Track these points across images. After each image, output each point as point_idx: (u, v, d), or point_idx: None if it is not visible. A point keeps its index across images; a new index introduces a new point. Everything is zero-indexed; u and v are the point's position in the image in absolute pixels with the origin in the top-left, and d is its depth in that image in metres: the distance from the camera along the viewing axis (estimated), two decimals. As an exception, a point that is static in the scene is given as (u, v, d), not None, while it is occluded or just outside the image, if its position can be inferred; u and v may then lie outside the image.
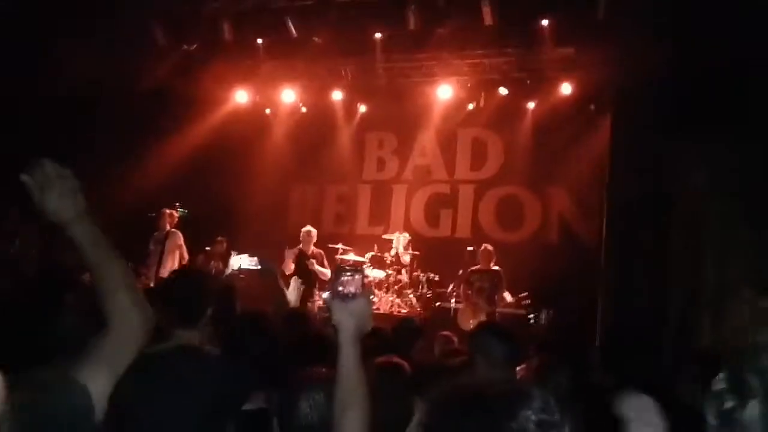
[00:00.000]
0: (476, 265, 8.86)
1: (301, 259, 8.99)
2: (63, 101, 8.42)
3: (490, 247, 8.91)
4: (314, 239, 9.22)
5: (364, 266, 9.38)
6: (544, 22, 8.63)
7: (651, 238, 7.25)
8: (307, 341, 3.05)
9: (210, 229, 9.84)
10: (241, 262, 9.08)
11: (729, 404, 0.75)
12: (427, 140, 11.14)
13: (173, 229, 8.96)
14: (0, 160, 8.00)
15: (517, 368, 3.19)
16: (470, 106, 10.61)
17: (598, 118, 9.45)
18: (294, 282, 8.94)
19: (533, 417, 1.01)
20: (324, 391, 1.74)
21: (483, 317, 8.20)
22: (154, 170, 9.53)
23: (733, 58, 6.45)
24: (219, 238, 9.67)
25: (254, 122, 11.33)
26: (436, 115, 10.74)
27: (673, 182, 7.35)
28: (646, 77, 7.28)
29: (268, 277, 8.58)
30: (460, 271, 8.95)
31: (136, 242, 8.92)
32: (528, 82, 9.90)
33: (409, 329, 4.60)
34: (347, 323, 1.73)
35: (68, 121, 8.72)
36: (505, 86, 10.01)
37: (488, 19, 8.27)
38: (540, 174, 10.29)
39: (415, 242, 10.14)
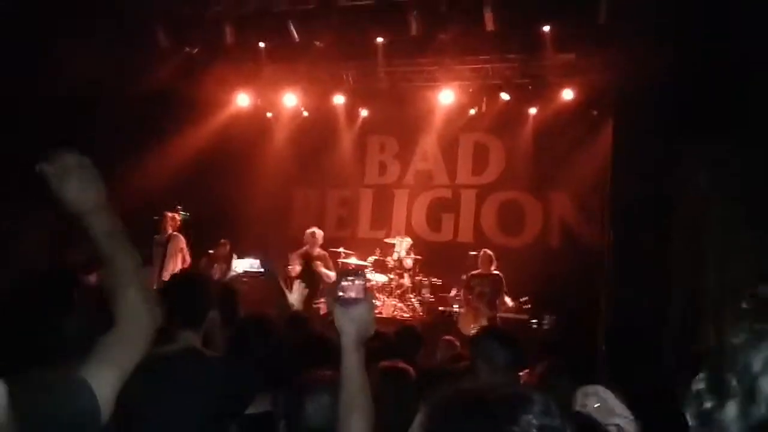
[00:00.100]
0: (477, 269, 8.87)
1: (307, 261, 9.00)
2: (64, 102, 8.43)
3: (490, 252, 8.91)
4: (320, 241, 9.24)
5: (366, 270, 9.38)
6: (546, 28, 8.64)
7: (653, 241, 7.25)
8: (308, 344, 3.05)
9: (212, 232, 9.85)
10: (244, 265, 9.08)
11: (708, 405, 0.76)
12: (428, 145, 11.16)
13: (175, 233, 8.96)
14: (2, 160, 8.06)
15: (521, 373, 3.18)
16: (472, 111, 10.63)
17: (600, 123, 9.47)
18: (297, 285, 8.95)
19: (535, 421, 1.00)
20: (330, 394, 1.74)
21: (484, 322, 8.19)
22: (155, 173, 9.53)
23: (734, 61, 6.46)
24: (222, 241, 9.68)
25: (256, 126, 11.34)
26: (438, 119, 10.75)
27: (675, 186, 7.36)
28: (648, 82, 7.28)
29: (270, 280, 8.61)
30: (464, 276, 8.96)
31: (138, 245, 8.77)
32: (529, 87, 9.92)
33: (410, 336, 4.60)
34: (349, 328, 1.72)
35: (69, 122, 8.72)
36: (506, 91, 10.03)
37: (490, 25, 8.27)
38: (542, 179, 10.31)
39: (417, 246, 10.15)
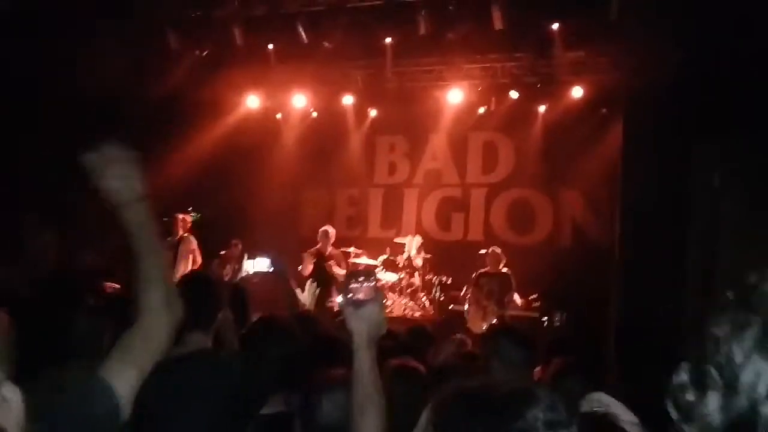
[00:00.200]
0: (486, 267, 8.89)
1: (320, 261, 9.05)
2: (75, 105, 8.49)
3: (498, 250, 8.93)
4: (332, 239, 9.30)
5: (377, 270, 9.41)
6: (555, 26, 8.63)
7: (664, 240, 7.23)
8: (317, 344, 3.07)
9: (223, 233, 9.90)
10: (255, 265, 9.13)
11: (690, 397, 0.77)
12: (438, 144, 11.16)
13: (186, 234, 9.01)
14: (15, 165, 8.14)
15: (534, 371, 3.18)
16: (481, 110, 10.61)
17: (610, 121, 9.45)
18: (309, 285, 9.00)
19: (541, 416, 1.01)
20: (345, 392, 1.76)
21: (493, 320, 8.21)
22: (166, 175, 9.57)
23: (744, 59, 6.43)
24: (234, 241, 9.73)
25: (265, 127, 11.38)
26: (447, 119, 10.75)
27: (686, 184, 7.33)
28: (658, 79, 7.27)
29: (281, 280, 8.66)
30: (474, 274, 8.98)
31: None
32: (539, 85, 9.89)
33: (422, 335, 4.61)
34: (360, 328, 1.74)
35: (80, 125, 8.80)
36: (515, 90, 10.01)
37: (498, 24, 8.27)
38: (551, 177, 10.29)
39: (427, 245, 10.16)
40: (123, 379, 1.52)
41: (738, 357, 0.73)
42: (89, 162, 1.70)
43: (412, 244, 9.98)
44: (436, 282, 9.74)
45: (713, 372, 0.75)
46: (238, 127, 10.97)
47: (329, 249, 9.24)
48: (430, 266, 9.98)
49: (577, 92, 9.71)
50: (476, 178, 11.00)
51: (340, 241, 9.83)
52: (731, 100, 6.52)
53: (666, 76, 7.14)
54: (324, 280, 9.09)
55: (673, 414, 0.77)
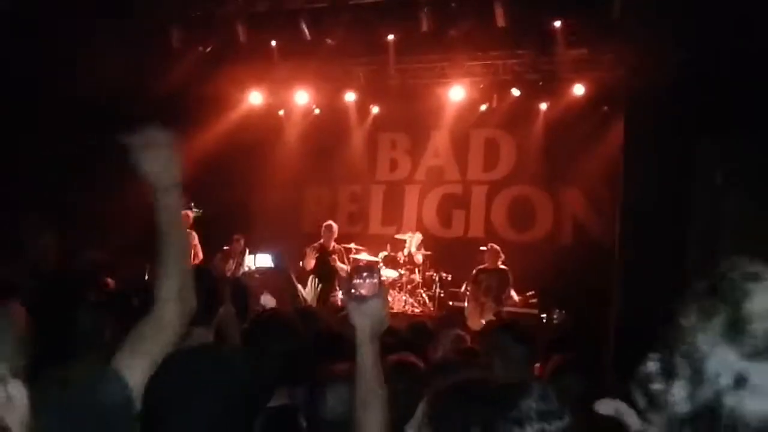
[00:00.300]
0: (484, 264, 8.93)
1: (323, 255, 9.08)
2: (78, 103, 8.51)
3: (497, 247, 8.98)
4: (335, 234, 9.34)
5: (379, 266, 9.44)
6: (557, 23, 8.63)
7: (664, 238, 7.24)
8: (318, 339, 3.09)
9: (225, 229, 9.92)
10: (257, 261, 9.15)
11: (657, 386, 0.78)
12: (439, 141, 11.18)
13: (188, 230, 9.04)
14: (18, 162, 8.16)
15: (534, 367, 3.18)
16: (483, 107, 10.63)
17: (611, 119, 9.45)
18: (311, 280, 9.02)
19: (534, 406, 1.03)
20: (350, 387, 1.79)
21: (491, 316, 8.24)
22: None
23: (746, 57, 6.44)
24: (236, 237, 9.75)
25: (268, 123, 11.40)
26: (449, 116, 10.77)
27: (688, 182, 7.33)
28: (659, 78, 7.27)
29: (282, 275, 8.68)
30: (474, 271, 9.01)
31: (152, 243, 9.00)
32: (540, 83, 9.91)
33: (421, 331, 4.63)
34: (363, 323, 1.76)
35: (83, 123, 8.82)
36: (517, 87, 10.03)
37: (501, 21, 8.28)
38: (553, 175, 10.31)
39: (428, 242, 10.18)
40: (136, 369, 1.53)
41: (704, 346, 0.74)
42: (130, 143, 1.71)
43: (412, 240, 10.00)
44: (437, 279, 9.77)
45: (680, 361, 0.76)
46: (241, 123, 10.99)
47: (332, 244, 9.28)
48: (430, 263, 10.01)
49: (578, 90, 9.72)
50: (477, 176, 11.02)
51: (342, 238, 9.86)
52: (733, 100, 6.52)
53: (667, 74, 7.14)
54: (327, 275, 9.13)
55: (641, 403, 0.79)
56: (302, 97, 10.99)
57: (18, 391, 1.15)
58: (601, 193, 9.71)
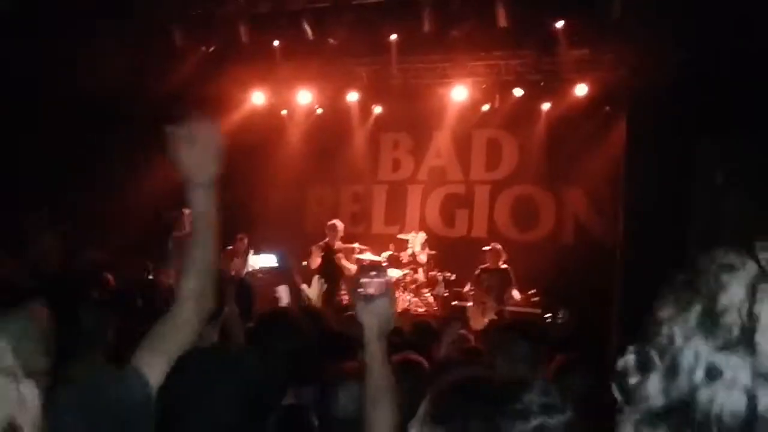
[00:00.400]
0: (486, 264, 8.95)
1: (328, 254, 9.09)
2: (82, 103, 8.54)
3: (498, 246, 9.00)
4: (340, 233, 9.36)
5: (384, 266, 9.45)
6: (559, 24, 8.63)
7: (666, 237, 7.25)
8: (322, 339, 3.11)
9: (228, 228, 9.93)
10: (260, 261, 9.17)
11: (632, 380, 0.78)
12: (442, 141, 11.19)
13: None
14: (21, 162, 8.19)
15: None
16: (485, 108, 10.64)
17: (613, 119, 9.46)
18: (316, 280, 9.04)
19: (537, 399, 1.04)
20: (361, 385, 1.80)
21: (492, 316, 8.26)
22: (173, 171, 9.62)
23: (747, 57, 6.44)
24: (239, 236, 9.76)
25: (271, 123, 11.42)
26: (451, 116, 10.77)
27: (690, 182, 7.34)
28: (661, 77, 7.28)
29: (286, 275, 8.70)
30: (477, 271, 9.03)
31: (156, 242, 9.05)
32: (542, 83, 9.91)
33: (425, 331, 4.65)
34: (371, 322, 1.77)
35: (86, 123, 8.84)
36: (519, 87, 10.03)
37: (503, 21, 8.28)
38: (555, 174, 10.31)
39: (431, 242, 10.19)
40: (154, 367, 1.54)
41: (679, 339, 0.74)
42: (173, 134, 1.66)
43: (416, 240, 10.02)
44: (440, 278, 9.78)
45: (654, 354, 0.76)
46: (244, 123, 10.99)
47: (337, 243, 9.29)
48: (434, 263, 10.02)
49: (580, 90, 9.72)
50: (480, 175, 11.03)
51: (345, 238, 9.87)
52: (734, 98, 6.53)
53: (670, 73, 7.15)
54: (332, 274, 9.14)
55: (617, 396, 0.78)
56: (305, 97, 11.01)
57: (30, 391, 1.14)
58: (603, 192, 9.72)
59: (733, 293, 0.73)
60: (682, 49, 6.95)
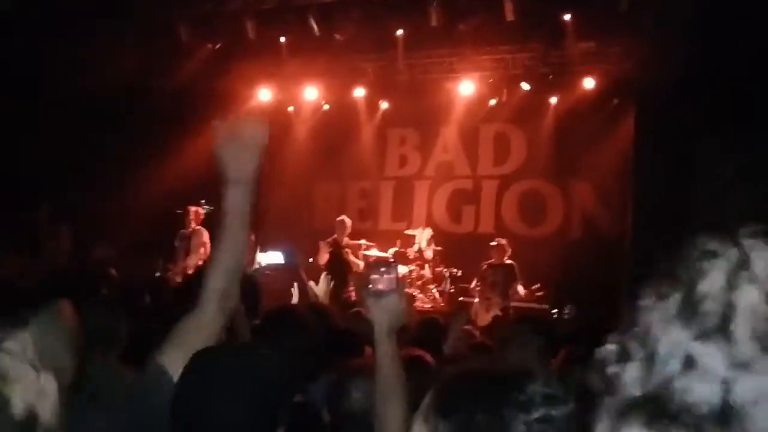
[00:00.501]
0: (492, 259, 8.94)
1: (336, 250, 9.09)
2: (88, 100, 8.56)
3: (503, 242, 8.99)
4: (348, 229, 9.37)
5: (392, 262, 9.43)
6: (566, 17, 8.60)
7: (674, 232, 7.21)
8: (329, 336, 3.10)
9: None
10: (267, 258, 9.18)
11: (612, 369, 0.77)
12: (449, 136, 11.16)
13: (199, 227, 9.09)
14: (28, 158, 8.22)
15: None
16: (492, 102, 10.59)
17: (621, 112, 9.41)
18: (323, 277, 9.04)
19: (540, 390, 1.04)
20: (372, 380, 1.80)
21: (497, 312, 8.24)
22: (179, 168, 9.64)
23: (757, 51, 6.39)
24: (246, 233, 9.77)
25: (277, 120, 11.39)
26: (458, 111, 10.74)
27: (699, 176, 7.30)
28: (670, 71, 7.23)
29: (293, 272, 8.70)
30: (483, 266, 9.01)
31: (163, 239, 9.08)
32: (550, 77, 9.86)
33: (432, 327, 4.64)
34: (381, 318, 1.77)
35: (93, 120, 8.87)
36: (527, 81, 9.98)
37: (510, 15, 8.25)
38: (563, 169, 10.27)
39: (438, 238, 10.17)
40: (177, 362, 1.53)
41: (657, 328, 0.72)
42: (218, 128, 1.67)
43: (422, 236, 10.00)
44: (447, 274, 9.76)
45: (633, 343, 0.75)
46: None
47: (345, 239, 9.29)
48: (440, 258, 10.00)
49: (588, 83, 9.67)
50: (487, 170, 10.99)
51: (352, 234, 9.86)
52: (743, 92, 6.49)
53: (678, 67, 7.10)
54: (340, 270, 9.13)
55: (597, 386, 0.77)
56: (311, 93, 11.00)
57: (50, 382, 1.19)
58: (611, 186, 9.67)
59: (713, 280, 0.72)
60: (691, 41, 6.89)
